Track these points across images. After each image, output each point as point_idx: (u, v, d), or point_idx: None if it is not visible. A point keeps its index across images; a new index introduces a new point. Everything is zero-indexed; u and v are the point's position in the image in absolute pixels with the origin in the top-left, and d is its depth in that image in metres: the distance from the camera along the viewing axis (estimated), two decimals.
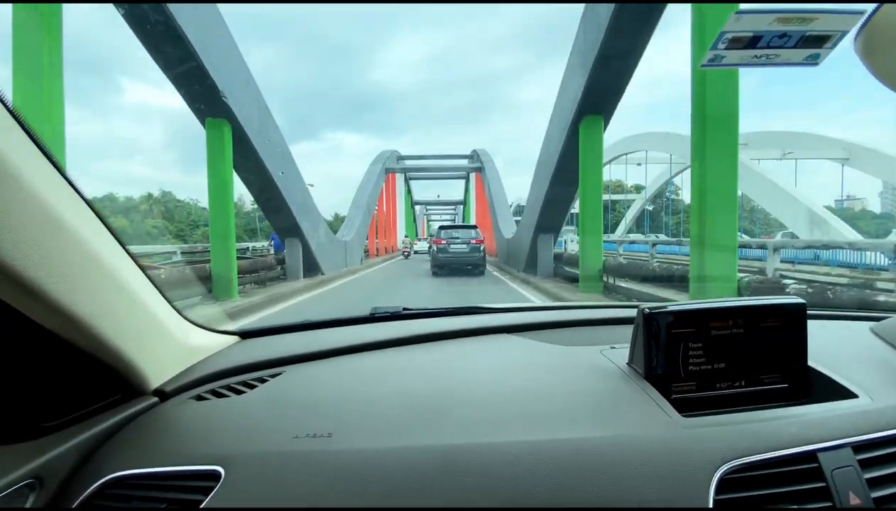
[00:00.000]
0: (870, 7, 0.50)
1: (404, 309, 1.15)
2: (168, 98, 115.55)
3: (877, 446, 0.57)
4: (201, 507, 0.53)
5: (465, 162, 26.99)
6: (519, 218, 15.41)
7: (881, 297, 4.48)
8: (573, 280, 9.16)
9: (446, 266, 12.00)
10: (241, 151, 7.79)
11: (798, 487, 0.53)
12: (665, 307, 0.68)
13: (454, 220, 46.88)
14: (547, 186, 9.84)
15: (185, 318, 0.85)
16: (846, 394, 0.66)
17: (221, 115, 7.33)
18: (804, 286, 5.10)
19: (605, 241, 9.07)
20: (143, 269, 0.69)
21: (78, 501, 0.55)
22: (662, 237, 23.46)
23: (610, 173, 29.36)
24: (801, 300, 0.70)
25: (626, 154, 26.97)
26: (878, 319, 0.94)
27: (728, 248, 4.70)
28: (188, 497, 0.54)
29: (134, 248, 0.69)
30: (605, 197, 30.72)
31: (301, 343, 0.95)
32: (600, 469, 0.53)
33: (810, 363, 0.71)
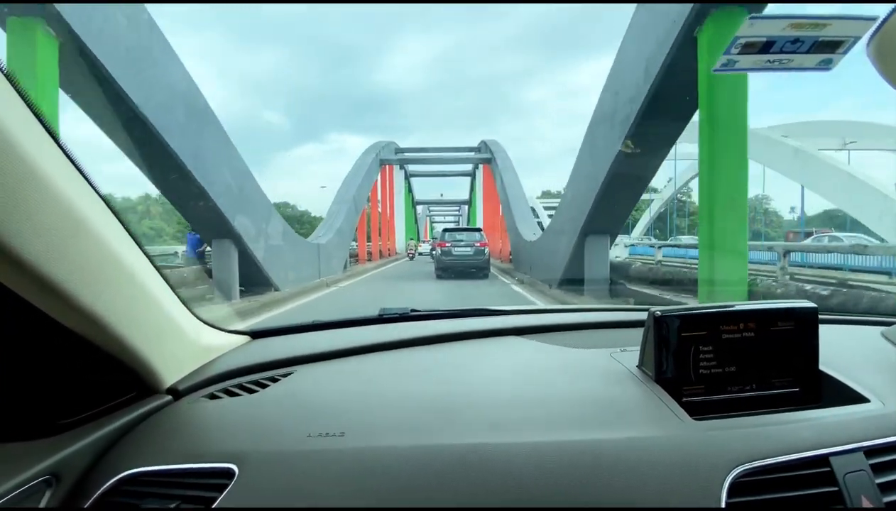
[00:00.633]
0: (884, 12, 0.50)
1: (412, 310, 1.15)
2: None
3: (889, 451, 0.57)
4: (215, 505, 0.53)
5: (471, 154, 24.15)
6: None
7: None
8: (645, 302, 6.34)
9: (450, 269, 12.06)
10: (98, 90, 4.77)
11: (810, 491, 0.53)
12: (675, 310, 0.68)
13: (458, 222, 46.37)
14: (609, 167, 6.34)
15: (198, 317, 0.85)
16: (858, 398, 0.66)
17: (38, 14, 4.22)
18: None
19: (633, 245, 8.14)
20: (158, 268, 0.70)
21: (93, 498, 0.55)
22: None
23: None
24: (812, 304, 0.70)
25: None
26: (889, 324, 0.93)
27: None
28: (202, 494, 0.54)
29: None
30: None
31: (310, 343, 0.96)
32: (612, 471, 0.53)
33: (821, 367, 0.71)
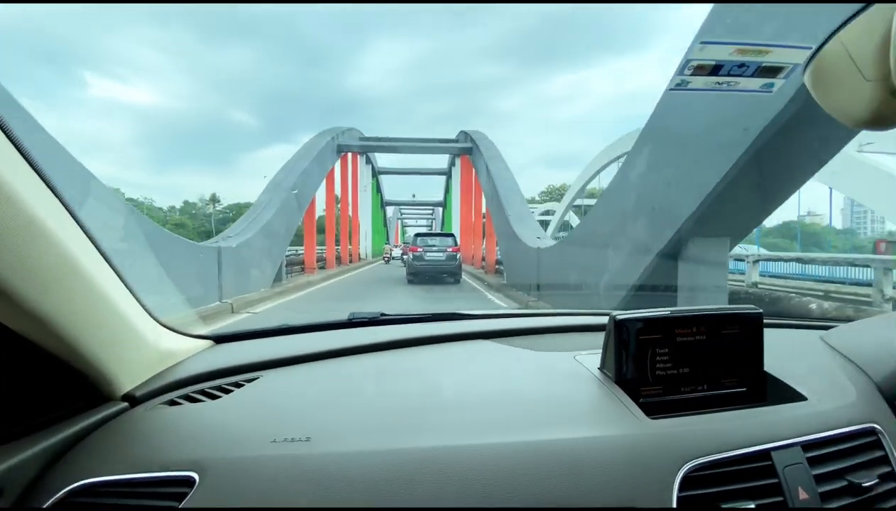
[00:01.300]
0: (816, 42, 0.53)
1: (382, 314, 1.16)
2: (134, 94, 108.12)
3: (823, 445, 0.63)
4: None
5: (447, 145, 19.82)
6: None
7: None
8: None
9: (422, 273, 11.92)
10: None
11: (753, 484, 0.58)
12: (634, 314, 0.71)
13: (431, 226, 44.56)
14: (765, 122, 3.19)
15: (159, 321, 0.83)
16: (797, 397, 0.71)
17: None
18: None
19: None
20: (119, 272, 0.68)
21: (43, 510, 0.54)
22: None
23: (600, 182, 25.28)
24: (758, 310, 0.75)
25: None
26: (827, 328, 0.99)
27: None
28: (160, 504, 0.53)
29: None
30: (581, 201, 27.32)
31: (277, 347, 0.95)
32: (571, 469, 0.56)
33: (766, 368, 0.76)
